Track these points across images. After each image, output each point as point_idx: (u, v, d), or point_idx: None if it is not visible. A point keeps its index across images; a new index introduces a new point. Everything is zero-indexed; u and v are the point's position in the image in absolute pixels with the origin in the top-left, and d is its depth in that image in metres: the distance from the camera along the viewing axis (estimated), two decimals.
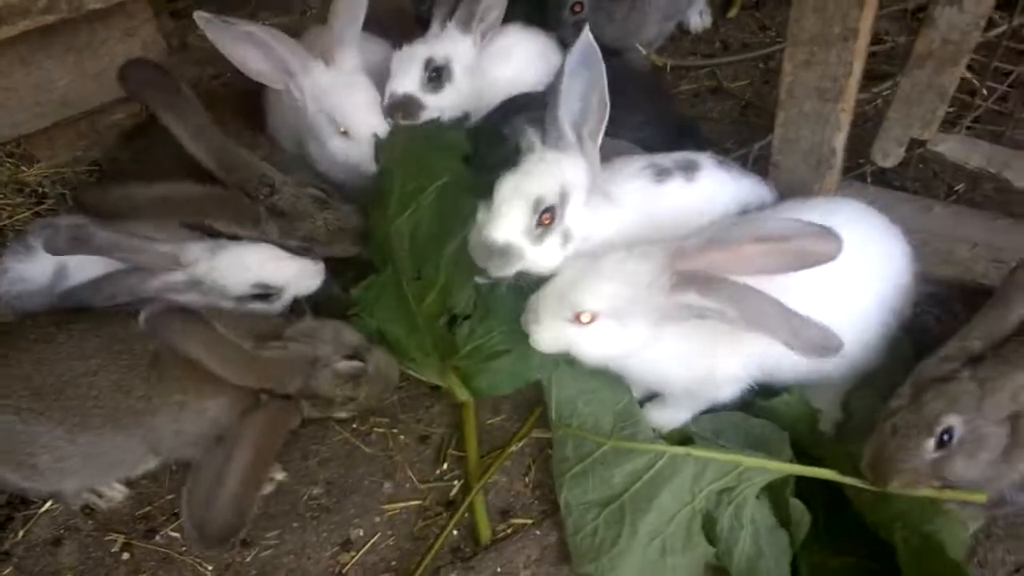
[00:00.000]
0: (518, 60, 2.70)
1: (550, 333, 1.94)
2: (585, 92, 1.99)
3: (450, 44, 2.54)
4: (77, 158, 3.04)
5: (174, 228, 2.23)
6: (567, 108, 2.00)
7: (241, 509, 1.82)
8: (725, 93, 3.13)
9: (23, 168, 3.01)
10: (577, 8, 2.95)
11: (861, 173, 2.57)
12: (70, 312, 2.12)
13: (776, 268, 1.74)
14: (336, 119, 2.47)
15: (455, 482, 2.22)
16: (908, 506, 1.81)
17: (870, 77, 2.84)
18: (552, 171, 2.00)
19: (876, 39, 3.09)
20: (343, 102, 2.47)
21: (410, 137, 2.48)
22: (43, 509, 2.24)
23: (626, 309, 1.85)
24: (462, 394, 2.26)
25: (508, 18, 2.70)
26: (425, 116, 2.53)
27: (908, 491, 1.81)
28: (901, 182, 2.62)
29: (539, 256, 2.00)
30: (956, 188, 2.65)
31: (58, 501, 2.24)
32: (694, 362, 1.94)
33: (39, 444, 2.00)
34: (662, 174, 2.13)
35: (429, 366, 2.30)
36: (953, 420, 1.72)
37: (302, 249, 2.32)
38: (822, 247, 1.71)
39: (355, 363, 2.10)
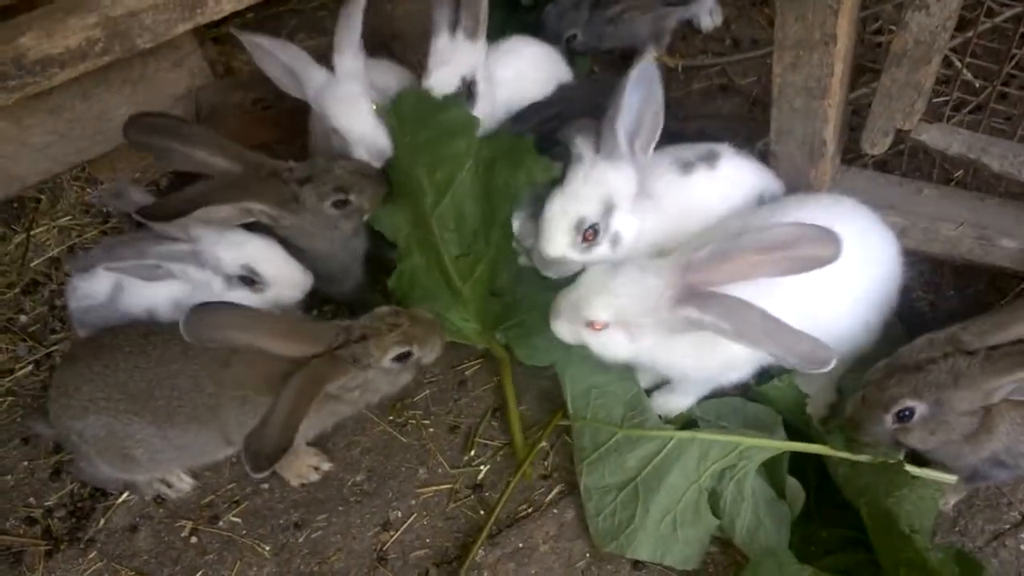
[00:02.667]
0: (522, 66, 2.79)
1: (568, 331, 2.14)
2: (641, 107, 2.16)
3: (467, 55, 2.54)
4: (136, 179, 3.28)
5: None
6: (624, 120, 2.15)
7: (284, 436, 1.95)
8: (734, 90, 3.26)
9: (89, 190, 3.29)
10: (571, 40, 3.15)
11: (864, 161, 2.70)
12: (155, 325, 2.38)
13: (781, 273, 1.91)
14: (331, 120, 2.59)
15: (482, 467, 2.44)
16: (875, 479, 1.99)
17: (872, 71, 2.97)
18: (596, 187, 2.18)
19: (881, 31, 3.20)
20: (333, 105, 2.58)
21: (414, 129, 2.56)
22: (120, 500, 2.50)
23: (634, 322, 2.02)
24: (500, 352, 2.50)
25: None
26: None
27: (887, 460, 1.99)
28: (900, 168, 2.74)
29: (592, 261, 2.21)
30: (956, 174, 2.76)
31: (133, 492, 2.50)
32: (715, 350, 2.08)
33: (135, 439, 2.26)
34: (687, 166, 2.32)
35: (471, 331, 2.54)
36: (911, 403, 1.88)
37: (341, 203, 2.44)
38: (823, 251, 1.86)
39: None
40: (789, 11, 2.12)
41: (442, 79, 2.55)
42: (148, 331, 2.30)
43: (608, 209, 2.19)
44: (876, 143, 2.37)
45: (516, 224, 2.47)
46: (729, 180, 2.34)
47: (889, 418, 1.92)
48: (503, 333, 2.54)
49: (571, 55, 3.13)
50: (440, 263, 2.55)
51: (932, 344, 1.94)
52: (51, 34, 2.78)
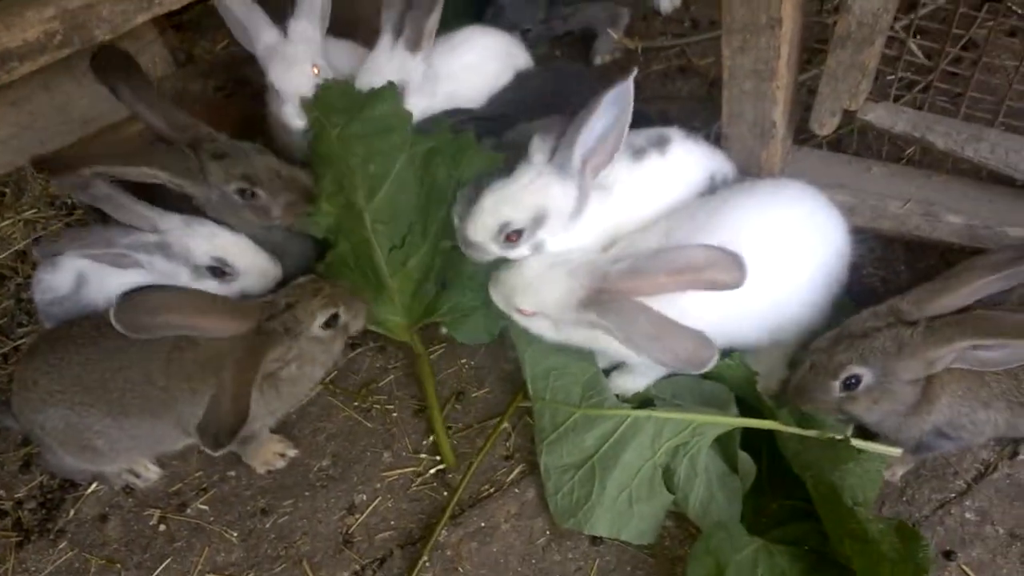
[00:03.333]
0: (477, 57, 2.81)
1: (500, 303, 2.26)
2: (606, 131, 2.16)
3: (401, 65, 2.60)
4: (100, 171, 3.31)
5: None
6: (584, 139, 2.15)
7: (237, 411, 1.98)
8: (693, 72, 3.30)
9: (52, 182, 3.31)
10: (526, 32, 3.11)
11: (817, 142, 2.74)
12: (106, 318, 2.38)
13: (688, 290, 2.01)
14: (269, 78, 2.63)
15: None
16: (821, 453, 2.05)
17: (822, 51, 3.00)
18: (534, 195, 2.19)
19: (834, 10, 3.23)
20: (275, 63, 2.63)
21: (343, 121, 2.56)
22: (89, 491, 2.54)
23: (555, 316, 2.14)
24: (419, 348, 2.56)
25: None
26: None
27: (834, 436, 2.05)
28: (852, 147, 2.79)
29: (508, 255, 2.26)
30: (907, 152, 2.81)
31: (102, 483, 2.54)
32: None
33: (93, 431, 2.29)
34: (638, 153, 2.35)
35: (394, 325, 2.57)
36: (858, 370, 1.95)
37: (247, 193, 2.43)
38: (728, 276, 1.96)
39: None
40: None
41: (369, 84, 2.58)
42: (101, 323, 2.29)
43: (539, 219, 2.20)
44: (824, 123, 2.41)
45: (456, 207, 2.46)
46: (679, 165, 2.38)
47: (837, 385, 1.99)
48: (442, 317, 2.56)
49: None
50: (370, 255, 2.56)
51: (876, 315, 2.01)
52: (9, 27, 2.78)
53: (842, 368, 1.96)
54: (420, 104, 2.62)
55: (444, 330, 2.71)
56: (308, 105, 2.61)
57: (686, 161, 2.41)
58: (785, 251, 2.19)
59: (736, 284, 1.96)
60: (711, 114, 3.01)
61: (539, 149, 2.22)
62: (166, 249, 2.40)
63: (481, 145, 2.48)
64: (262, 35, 2.66)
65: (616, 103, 2.13)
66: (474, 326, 2.53)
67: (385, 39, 2.61)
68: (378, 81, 2.55)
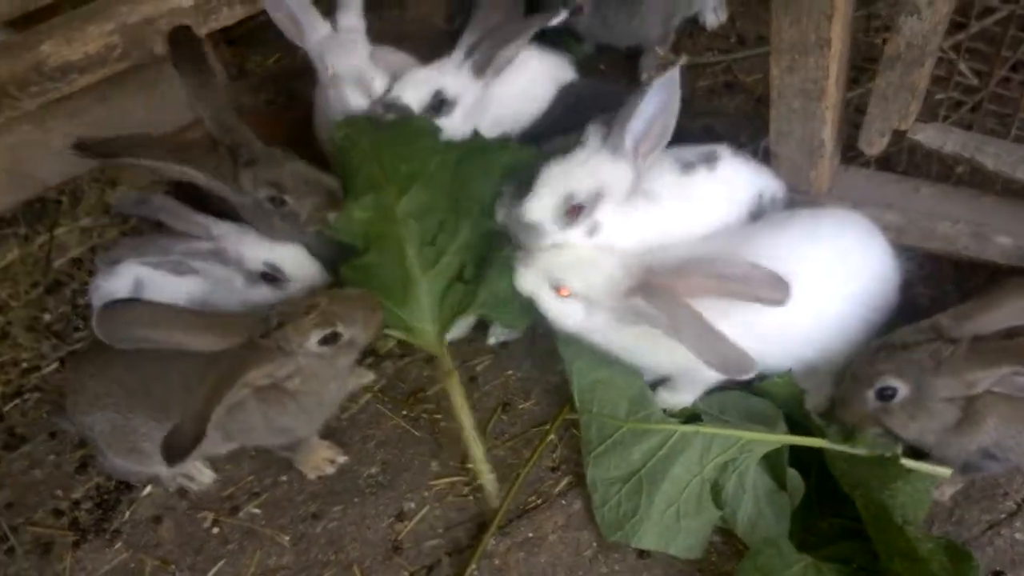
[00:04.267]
0: (528, 82, 2.81)
1: (531, 283, 2.25)
2: (654, 117, 2.21)
3: (462, 84, 2.60)
4: (156, 180, 3.38)
5: None
6: (634, 124, 2.21)
7: (197, 426, 1.93)
8: (739, 87, 3.31)
9: (109, 191, 3.37)
10: (579, 11, 3.07)
11: (865, 158, 2.75)
12: None
13: (728, 298, 2.03)
14: (327, 63, 2.63)
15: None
16: (870, 472, 2.06)
17: (871, 70, 3.01)
18: (594, 171, 2.23)
19: (881, 29, 3.24)
20: (333, 48, 2.63)
21: (376, 131, 2.58)
22: (144, 493, 2.60)
23: (595, 300, 2.16)
24: (448, 364, 2.50)
25: None
26: None
27: (884, 454, 2.07)
28: (902, 166, 2.79)
29: (563, 239, 2.26)
30: (957, 171, 2.80)
31: (156, 485, 2.60)
32: (675, 355, 2.13)
33: (139, 433, 2.34)
34: (687, 167, 2.39)
35: (423, 333, 2.53)
36: (893, 382, 1.97)
37: (276, 200, 2.42)
38: (773, 295, 2.00)
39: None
40: (784, 15, 2.18)
41: (424, 74, 2.60)
42: None
43: (597, 196, 2.23)
44: (873, 143, 2.43)
45: (500, 210, 2.46)
46: (727, 181, 2.40)
47: (871, 394, 2.00)
48: (481, 312, 2.55)
49: (569, 38, 3.13)
50: (400, 256, 2.53)
51: (918, 329, 2.02)
52: (71, 41, 2.88)
53: (878, 377, 1.98)
54: (461, 128, 2.63)
55: (491, 340, 2.75)
56: (340, 124, 2.63)
57: (734, 178, 2.44)
58: (828, 280, 2.22)
59: (779, 303, 2.00)
60: (757, 130, 3.04)
61: (593, 134, 2.27)
62: (221, 255, 2.45)
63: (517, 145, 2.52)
64: (315, 28, 2.67)
65: (662, 89, 2.19)
66: (516, 310, 2.46)
67: (457, 55, 2.62)
68: (437, 79, 2.58)
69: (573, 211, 2.22)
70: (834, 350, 2.26)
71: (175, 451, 1.93)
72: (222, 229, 2.47)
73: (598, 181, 2.23)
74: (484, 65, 2.59)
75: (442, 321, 2.54)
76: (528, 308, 2.38)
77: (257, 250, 2.48)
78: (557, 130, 2.62)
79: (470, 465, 2.49)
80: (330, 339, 2.16)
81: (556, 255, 2.23)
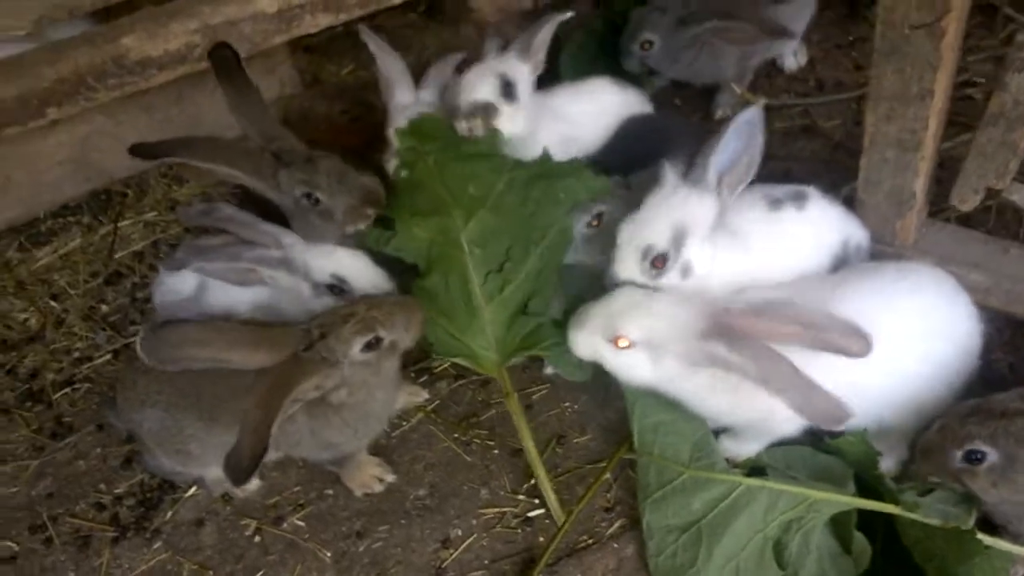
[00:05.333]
0: (598, 108, 2.86)
1: (587, 343, 2.18)
2: (739, 152, 2.20)
3: (515, 68, 2.68)
4: (221, 180, 3.39)
5: None
6: (718, 157, 2.19)
7: (256, 444, 1.93)
8: (817, 132, 3.25)
9: (175, 188, 3.40)
10: (646, 46, 3.12)
11: (947, 215, 2.67)
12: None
13: (803, 347, 1.96)
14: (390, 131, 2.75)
15: (544, 494, 2.43)
16: (946, 544, 1.97)
17: (960, 124, 2.94)
18: (671, 212, 2.20)
19: (970, 84, 3.17)
20: (399, 120, 2.74)
21: (437, 147, 2.62)
22: (188, 494, 2.57)
23: (660, 346, 2.07)
24: (508, 387, 2.47)
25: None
26: (500, 124, 2.62)
27: (959, 526, 1.97)
28: (985, 225, 2.71)
29: (662, 287, 2.23)
30: None
31: (201, 487, 2.56)
32: (754, 402, 2.10)
33: (186, 434, 2.32)
34: (775, 204, 2.35)
35: (486, 361, 2.51)
36: (984, 448, 1.89)
37: (311, 198, 2.48)
38: (852, 345, 1.93)
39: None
40: (887, 63, 2.13)
41: (478, 70, 2.66)
42: None
43: (679, 237, 2.20)
44: (966, 200, 2.36)
45: (577, 239, 2.49)
46: (816, 222, 2.35)
47: (959, 455, 1.92)
48: (543, 352, 2.52)
49: (640, 71, 3.14)
50: (464, 282, 2.51)
51: (1021, 397, 1.93)
52: (153, 37, 2.90)
53: (968, 440, 1.90)
54: (529, 115, 2.68)
55: (548, 370, 2.70)
56: (403, 133, 2.65)
57: (822, 221, 2.39)
58: (910, 338, 2.14)
59: (858, 355, 1.93)
60: (835, 177, 2.98)
61: (670, 170, 2.25)
62: (289, 264, 2.44)
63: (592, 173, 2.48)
64: (401, 93, 2.83)
65: (745, 126, 2.17)
66: (578, 362, 2.40)
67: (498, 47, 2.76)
68: (492, 67, 2.65)
69: (658, 261, 2.19)
70: (911, 411, 2.18)
71: (238, 472, 1.94)
72: (291, 238, 2.46)
73: (678, 220, 2.20)
74: (526, 49, 2.68)
75: (505, 352, 2.50)
76: (591, 364, 2.33)
77: (323, 261, 2.45)
78: (626, 159, 2.60)
79: (521, 497, 2.44)
80: (372, 344, 2.14)
81: (606, 305, 2.16)
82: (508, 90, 2.63)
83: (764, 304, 2.02)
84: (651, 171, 2.33)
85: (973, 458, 1.90)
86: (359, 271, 2.47)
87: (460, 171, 2.56)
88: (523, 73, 2.69)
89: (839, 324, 1.95)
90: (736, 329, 1.98)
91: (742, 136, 2.18)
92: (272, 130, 2.57)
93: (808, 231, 2.33)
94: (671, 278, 2.23)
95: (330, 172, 2.52)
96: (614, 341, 2.12)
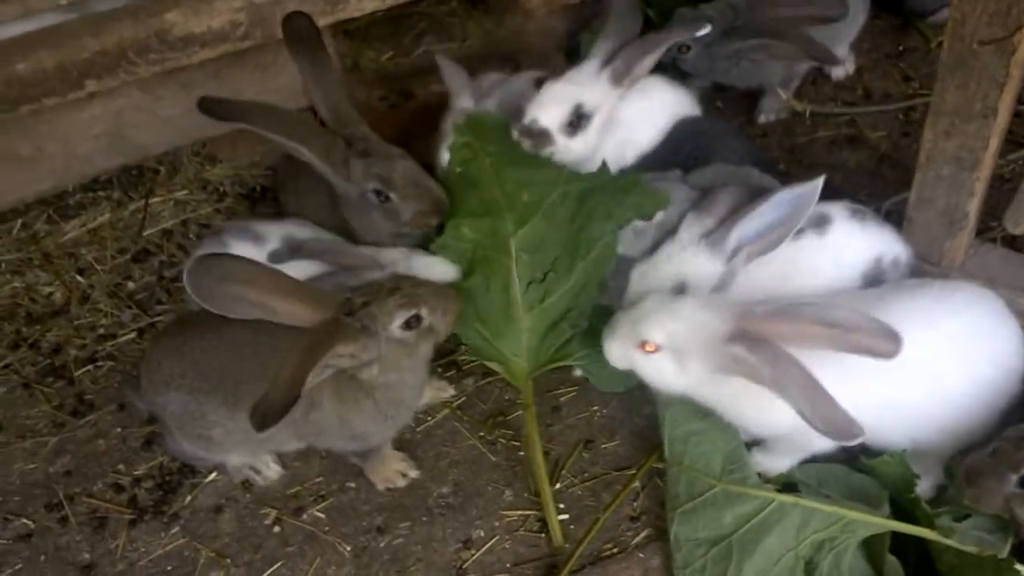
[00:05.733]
0: (651, 106, 2.77)
1: (619, 351, 2.16)
2: (772, 225, 2.17)
3: (601, 93, 2.57)
4: (255, 162, 3.36)
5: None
6: (744, 228, 2.18)
7: (289, 392, 1.88)
8: (862, 142, 3.18)
9: (207, 167, 3.37)
10: (683, 50, 3.04)
11: (991, 235, 2.61)
12: None
13: (832, 349, 1.91)
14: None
15: (568, 499, 2.40)
16: (981, 572, 1.91)
17: (1011, 141, 2.87)
18: (674, 267, 2.23)
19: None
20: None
21: (494, 149, 2.58)
22: (208, 479, 2.53)
23: (685, 349, 2.04)
24: (529, 400, 2.43)
25: None
26: (553, 152, 2.59)
27: (995, 554, 1.91)
28: None
29: None
30: None
31: (221, 473, 2.53)
32: (775, 414, 2.05)
33: (209, 419, 2.29)
34: (796, 234, 2.27)
35: (516, 368, 2.48)
36: None
37: (381, 195, 2.47)
38: (882, 346, 1.87)
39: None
40: (951, 78, 2.07)
41: (560, 89, 2.55)
42: None
43: (678, 289, 2.22)
44: (1020, 223, 2.28)
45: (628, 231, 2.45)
46: (838, 247, 2.30)
47: (1014, 479, 1.87)
48: (577, 363, 2.50)
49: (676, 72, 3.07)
50: (506, 288, 2.48)
51: None
52: (197, 13, 2.86)
53: None
54: (594, 139, 2.59)
55: (578, 372, 2.65)
56: (460, 129, 2.60)
57: (846, 244, 2.33)
58: (952, 356, 2.09)
59: (889, 355, 1.87)
60: (879, 189, 2.93)
61: (688, 228, 2.25)
62: None
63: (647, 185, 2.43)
64: (462, 99, 2.80)
65: (791, 203, 2.14)
66: (613, 372, 2.37)
67: (593, 63, 2.57)
68: (576, 92, 2.53)
69: None
70: (950, 433, 2.13)
71: (264, 416, 1.87)
72: (389, 256, 2.45)
73: (679, 274, 2.21)
74: (624, 74, 2.54)
75: (537, 362, 2.47)
76: (623, 376, 2.32)
77: (429, 274, 2.45)
78: (677, 163, 2.55)
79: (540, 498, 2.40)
80: (413, 322, 2.13)
81: (635, 311, 2.13)
82: (578, 121, 2.56)
83: (788, 305, 1.97)
84: (712, 169, 2.30)
85: None
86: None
87: (516, 176, 2.53)
88: (608, 100, 2.59)
89: (867, 323, 1.89)
90: (759, 332, 1.94)
91: (782, 211, 2.14)
92: (347, 113, 2.53)
93: (828, 256, 2.28)
94: None
95: (407, 174, 2.50)
96: (641, 346, 2.10)
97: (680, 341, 2.06)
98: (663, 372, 2.12)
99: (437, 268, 2.45)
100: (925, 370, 2.01)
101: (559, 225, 2.49)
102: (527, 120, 2.55)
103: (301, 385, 1.88)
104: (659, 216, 2.40)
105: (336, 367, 2.04)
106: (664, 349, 2.08)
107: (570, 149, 2.59)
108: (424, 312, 2.14)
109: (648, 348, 2.09)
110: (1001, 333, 2.16)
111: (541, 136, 2.56)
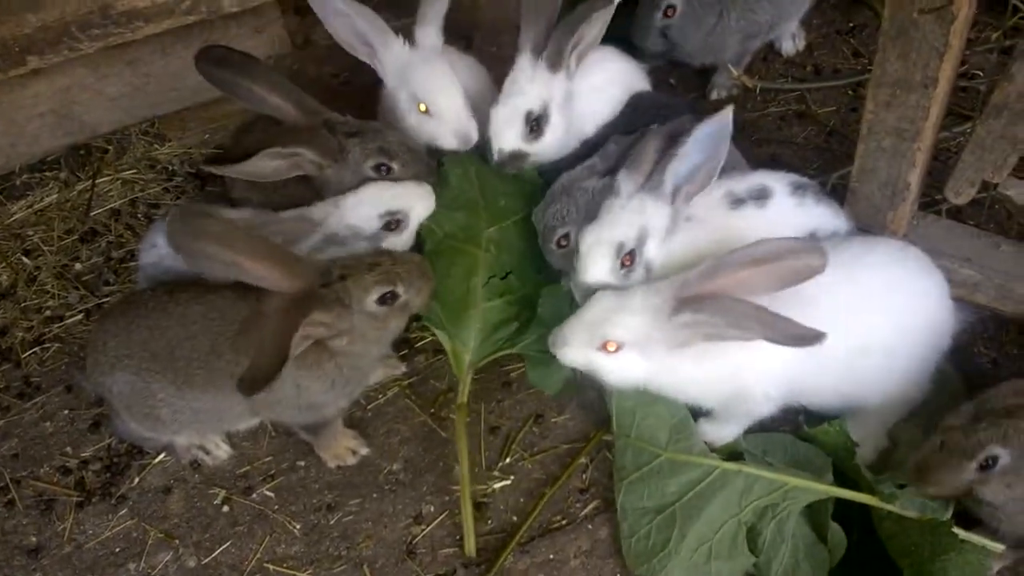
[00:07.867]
0: (604, 80, 2.71)
1: (579, 355, 2.16)
2: (700, 162, 2.19)
3: (543, 87, 2.50)
4: (204, 141, 3.31)
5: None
6: (676, 167, 2.20)
7: (275, 359, 1.90)
8: (811, 118, 3.20)
9: (156, 146, 3.32)
10: (670, 12, 2.99)
11: (938, 208, 2.64)
12: (181, 283, 2.31)
13: (774, 286, 1.99)
14: (418, 96, 2.56)
15: (518, 473, 2.42)
16: (921, 538, 1.95)
17: (955, 114, 2.90)
18: (633, 216, 2.22)
19: (968, 75, 3.12)
20: (424, 80, 2.55)
21: (482, 167, 2.63)
22: (156, 460, 2.51)
23: (647, 340, 2.07)
24: (463, 396, 2.40)
25: None
26: (531, 163, 2.60)
27: (935, 520, 1.95)
28: (976, 219, 2.67)
29: (628, 284, 2.22)
30: None
31: (170, 454, 2.51)
32: (722, 382, 2.14)
33: (157, 399, 2.25)
34: (736, 202, 2.32)
35: (460, 358, 2.46)
36: (997, 450, 1.84)
37: (383, 168, 2.44)
38: (808, 261, 1.96)
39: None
40: (892, 48, 2.08)
41: (507, 111, 2.52)
42: (174, 289, 2.26)
43: (643, 237, 2.22)
44: (961, 192, 2.32)
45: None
46: (776, 220, 2.30)
47: (973, 466, 1.87)
48: (522, 351, 2.47)
49: (654, 49, 3.05)
50: (468, 275, 2.49)
51: (1018, 392, 1.91)
52: None
53: (981, 448, 1.84)
54: (561, 124, 2.56)
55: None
56: (450, 162, 2.61)
57: (783, 218, 2.33)
58: (874, 308, 2.14)
59: (819, 269, 1.95)
60: (827, 163, 2.96)
61: (626, 181, 2.26)
62: (335, 239, 2.37)
63: None
64: (390, 48, 2.58)
65: (712, 136, 2.17)
66: (551, 373, 2.39)
67: (524, 58, 2.52)
68: (522, 103, 2.49)
69: (627, 258, 2.20)
70: (880, 389, 2.19)
71: (252, 382, 1.90)
72: (318, 214, 2.37)
73: (640, 224, 2.22)
74: (559, 57, 2.50)
75: (480, 353, 2.46)
76: (560, 379, 2.37)
77: (366, 210, 2.39)
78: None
79: (496, 474, 2.42)
80: (388, 298, 2.15)
81: (585, 316, 2.14)
82: (536, 125, 2.53)
83: (716, 260, 2.03)
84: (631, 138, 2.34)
85: (987, 464, 1.86)
86: (397, 194, 2.43)
87: (497, 184, 2.59)
88: (555, 88, 2.53)
89: (788, 245, 1.97)
90: (700, 295, 2.01)
91: (704, 148, 2.18)
92: (310, 103, 2.47)
93: (766, 228, 2.25)
94: (637, 276, 2.24)
95: (401, 141, 2.49)
96: (603, 347, 2.10)
97: (641, 333, 2.07)
98: (627, 367, 2.13)
99: (373, 190, 2.40)
100: (848, 324, 2.04)
101: (527, 238, 2.53)
102: (495, 153, 2.56)
103: (287, 350, 1.92)
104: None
105: (312, 336, 2.05)
106: (627, 345, 2.09)
107: (545, 146, 2.58)
108: (400, 289, 2.16)
109: (610, 348, 2.10)
110: (921, 285, 2.21)
111: (513, 158, 2.56)
